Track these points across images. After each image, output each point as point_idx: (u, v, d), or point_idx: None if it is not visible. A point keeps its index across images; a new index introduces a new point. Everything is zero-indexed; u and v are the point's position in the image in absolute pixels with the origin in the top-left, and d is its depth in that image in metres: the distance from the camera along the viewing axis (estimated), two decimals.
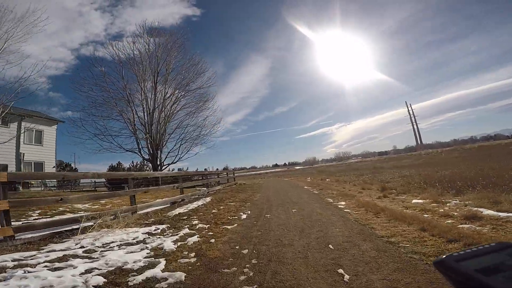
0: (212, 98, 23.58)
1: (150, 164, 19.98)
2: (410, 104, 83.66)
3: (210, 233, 4.77)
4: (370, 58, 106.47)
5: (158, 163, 19.93)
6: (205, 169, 14.87)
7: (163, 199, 9.65)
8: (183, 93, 22.71)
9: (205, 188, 13.94)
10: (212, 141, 23.67)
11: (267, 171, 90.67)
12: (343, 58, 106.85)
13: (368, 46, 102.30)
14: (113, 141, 20.33)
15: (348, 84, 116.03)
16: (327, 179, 17.88)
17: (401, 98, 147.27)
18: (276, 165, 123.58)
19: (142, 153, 20.30)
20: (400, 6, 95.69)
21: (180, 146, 21.78)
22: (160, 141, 20.09)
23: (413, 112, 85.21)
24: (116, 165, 27.66)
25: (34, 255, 3.49)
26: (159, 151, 19.87)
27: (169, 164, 21.35)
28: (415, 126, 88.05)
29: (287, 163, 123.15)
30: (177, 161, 22.15)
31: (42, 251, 3.76)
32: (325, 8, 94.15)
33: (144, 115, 20.94)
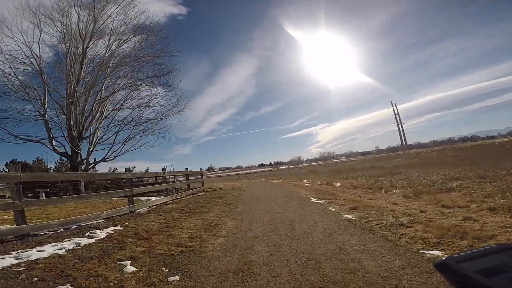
0: (171, 71, 17.41)
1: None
2: (395, 104, 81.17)
3: None
4: (354, 60, 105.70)
5: (81, 158, 13.32)
6: (163, 169, 9.17)
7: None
8: (125, 61, 15.68)
9: (145, 198, 8.56)
10: (169, 130, 17.18)
11: (253, 170, 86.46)
12: (327, 59, 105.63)
13: (352, 48, 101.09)
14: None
15: (332, 85, 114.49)
16: (334, 183, 12.79)
17: (383, 99, 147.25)
18: (262, 165, 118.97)
19: (55, 145, 13.31)
20: (382, 9, 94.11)
21: (116, 135, 14.84)
22: (85, 127, 13.29)
23: (398, 112, 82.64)
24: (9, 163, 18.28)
25: None
26: (90, 143, 13.69)
27: (96, 162, 14.69)
28: (400, 126, 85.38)
29: (272, 163, 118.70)
30: (111, 157, 15.15)
31: None
32: (310, 9, 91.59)
33: (67, 89, 13.33)
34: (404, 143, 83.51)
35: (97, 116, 12.83)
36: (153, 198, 10.46)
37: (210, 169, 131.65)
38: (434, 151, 49.19)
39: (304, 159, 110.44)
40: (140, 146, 13.81)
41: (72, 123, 11.85)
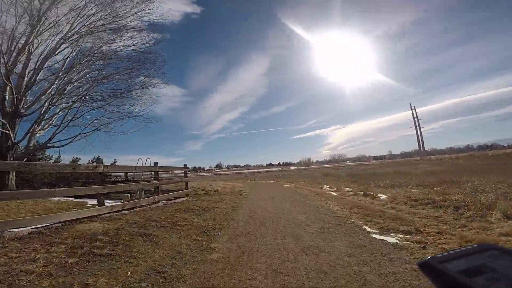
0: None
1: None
2: (414, 107, 75.37)
3: None
4: (370, 61, 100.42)
5: (12, 142, 8.18)
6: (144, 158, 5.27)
7: None
8: None
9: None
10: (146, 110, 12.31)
11: (261, 170, 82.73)
12: (342, 60, 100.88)
13: (368, 49, 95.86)
14: None
15: (345, 86, 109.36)
16: (373, 194, 8.57)
17: (399, 101, 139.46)
18: (270, 165, 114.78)
19: None
20: (402, 11, 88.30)
21: (69, 111, 9.13)
22: (27, 99, 8.56)
23: (417, 116, 76.81)
24: None
25: None
26: (37, 124, 8.86)
27: (38, 148, 9.29)
28: (418, 131, 79.40)
29: (281, 163, 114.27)
30: (61, 142, 9.12)
31: None
32: (324, 10, 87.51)
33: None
34: (422, 148, 77.78)
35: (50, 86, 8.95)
36: (107, 203, 6.65)
37: (218, 166, 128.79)
38: (459, 158, 43.97)
39: (314, 161, 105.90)
40: (97, 129, 9.61)
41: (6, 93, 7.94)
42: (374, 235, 4.07)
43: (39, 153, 10.15)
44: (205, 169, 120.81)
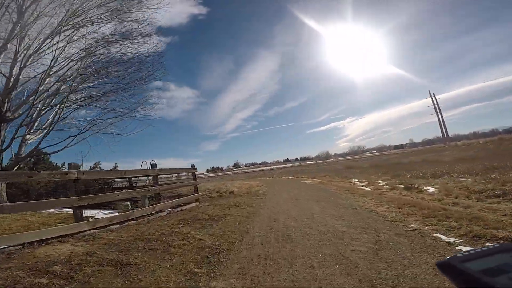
0: None
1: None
2: (433, 94, 70.84)
3: None
4: (383, 52, 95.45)
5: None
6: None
7: None
8: None
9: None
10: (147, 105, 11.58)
11: (278, 166, 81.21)
12: (354, 52, 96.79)
13: (381, 40, 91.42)
14: None
15: (359, 78, 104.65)
16: (417, 187, 6.91)
17: (415, 91, 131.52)
18: (287, 160, 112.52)
19: None
20: (413, 1, 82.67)
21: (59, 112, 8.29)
22: (10, 100, 7.44)
23: (437, 102, 72.22)
24: None
25: None
26: (28, 129, 7.86)
27: (31, 155, 8.22)
28: (440, 117, 74.71)
29: (299, 158, 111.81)
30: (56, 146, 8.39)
31: None
32: (333, 2, 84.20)
33: None
34: (445, 135, 73.06)
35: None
36: (101, 215, 5.63)
37: (236, 165, 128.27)
38: (488, 142, 40.14)
39: (332, 154, 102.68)
40: (97, 132, 8.57)
41: None
42: (461, 247, 2.62)
43: (40, 161, 9.38)
44: (223, 168, 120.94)
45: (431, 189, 6.75)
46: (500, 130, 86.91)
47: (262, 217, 5.21)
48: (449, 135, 78.29)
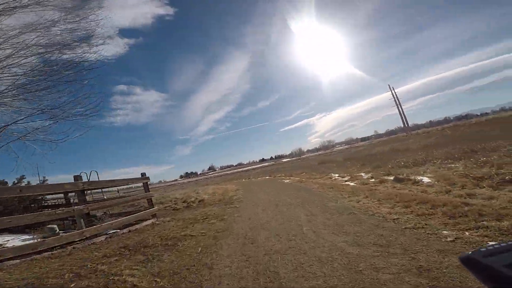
0: None
1: None
2: (393, 88, 74.88)
3: None
4: (345, 50, 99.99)
5: None
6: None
7: None
8: None
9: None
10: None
11: (254, 166, 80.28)
12: (320, 51, 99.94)
13: (343, 39, 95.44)
14: None
15: (326, 75, 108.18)
16: (411, 177, 6.01)
17: (371, 88, 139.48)
18: (263, 160, 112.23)
19: None
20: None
21: None
22: None
23: (397, 95, 76.44)
24: None
25: None
26: None
27: None
28: (400, 108, 79.17)
29: (273, 157, 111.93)
30: None
31: None
32: (300, 2, 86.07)
33: None
34: (406, 125, 77.52)
35: None
36: (15, 242, 3.82)
37: (211, 168, 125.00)
38: (445, 128, 42.79)
39: (305, 150, 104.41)
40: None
41: None
42: None
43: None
44: (198, 173, 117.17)
45: (425, 179, 5.90)
46: (452, 118, 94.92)
47: (235, 236, 3.85)
48: (409, 124, 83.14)
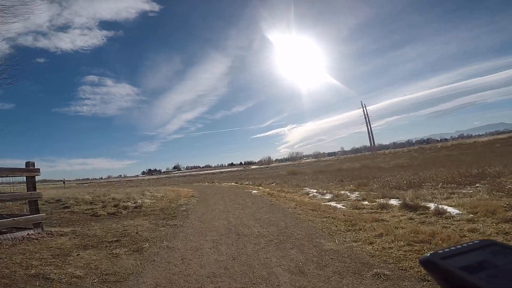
0: None
1: None
2: (365, 105, 77.32)
3: None
4: (323, 62, 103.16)
5: None
6: None
7: None
8: None
9: None
10: None
11: (222, 170, 77.07)
12: (298, 61, 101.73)
13: (321, 51, 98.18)
14: None
15: (301, 86, 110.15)
16: (443, 207, 4.15)
17: (348, 101, 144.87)
18: (232, 164, 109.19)
19: None
20: (351, 14, 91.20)
21: None
22: None
23: (367, 113, 79.14)
24: None
25: None
26: None
27: None
28: (369, 127, 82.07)
29: (243, 163, 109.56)
30: None
31: None
32: (283, 13, 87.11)
33: None
34: (373, 144, 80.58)
35: None
36: None
37: (176, 168, 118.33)
38: (411, 151, 44.38)
39: (274, 159, 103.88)
40: None
41: None
42: None
43: None
44: (162, 171, 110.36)
45: (451, 209, 4.09)
46: (414, 141, 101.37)
47: None
48: (375, 144, 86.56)
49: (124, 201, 8.23)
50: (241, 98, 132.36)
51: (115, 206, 7.44)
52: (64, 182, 31.32)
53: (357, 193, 7.22)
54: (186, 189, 15.17)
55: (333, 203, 5.99)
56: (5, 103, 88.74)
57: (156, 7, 79.86)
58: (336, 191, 7.88)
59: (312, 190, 8.73)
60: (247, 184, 14.44)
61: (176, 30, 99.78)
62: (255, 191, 9.81)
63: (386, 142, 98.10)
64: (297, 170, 25.59)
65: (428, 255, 0.50)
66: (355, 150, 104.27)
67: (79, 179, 77.49)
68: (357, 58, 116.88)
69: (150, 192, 12.31)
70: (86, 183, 51.63)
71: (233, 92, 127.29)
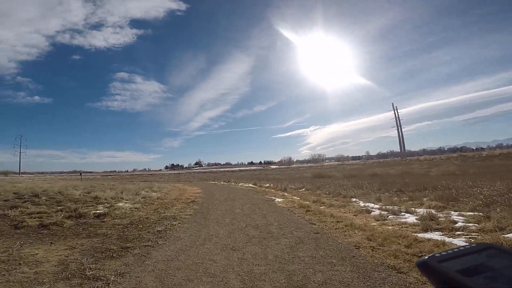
0: None
1: None
2: (396, 107, 70.49)
3: None
4: (350, 62, 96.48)
5: None
6: None
7: None
8: None
9: None
10: None
11: (242, 168, 74.90)
12: (323, 61, 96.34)
13: (349, 51, 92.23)
14: None
15: (326, 87, 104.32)
16: None
17: (375, 104, 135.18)
18: (251, 163, 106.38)
19: None
20: (381, 14, 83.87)
21: None
22: None
23: (398, 116, 72.21)
24: None
25: None
26: None
27: None
28: (400, 131, 75.09)
29: (262, 162, 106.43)
30: None
31: None
32: (308, 12, 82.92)
33: None
34: (403, 149, 73.64)
35: None
36: None
37: (198, 164, 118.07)
38: (451, 158, 38.59)
39: (294, 160, 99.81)
40: None
41: None
42: None
43: None
44: (184, 166, 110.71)
45: None
46: (445, 149, 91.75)
47: None
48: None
49: (91, 205, 5.69)
50: (263, 98, 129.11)
51: (74, 210, 4.88)
52: (81, 175, 30.51)
53: (460, 215, 3.99)
54: (195, 188, 12.59)
55: (426, 235, 2.84)
56: (44, 97, 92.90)
57: (183, 6, 79.89)
58: (413, 208, 4.69)
59: (368, 204, 5.57)
60: (267, 187, 11.43)
61: (201, 29, 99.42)
62: (279, 200, 6.79)
63: (414, 148, 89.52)
64: (323, 172, 22.05)
65: (426, 258, 0.49)
66: (381, 155, 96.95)
67: (106, 171, 79.47)
68: (388, 60, 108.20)
69: (149, 191, 9.85)
70: (110, 176, 51.84)
71: (255, 91, 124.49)
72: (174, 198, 8.08)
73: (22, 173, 47.18)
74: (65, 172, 65.56)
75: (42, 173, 62.07)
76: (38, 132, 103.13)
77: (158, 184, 16.79)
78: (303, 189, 9.42)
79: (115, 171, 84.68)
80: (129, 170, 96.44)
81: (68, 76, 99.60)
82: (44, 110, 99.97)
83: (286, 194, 8.38)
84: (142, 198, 7.56)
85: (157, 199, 7.82)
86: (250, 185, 13.50)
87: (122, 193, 8.29)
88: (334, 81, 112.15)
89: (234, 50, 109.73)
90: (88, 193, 7.87)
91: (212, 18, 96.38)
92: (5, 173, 36.40)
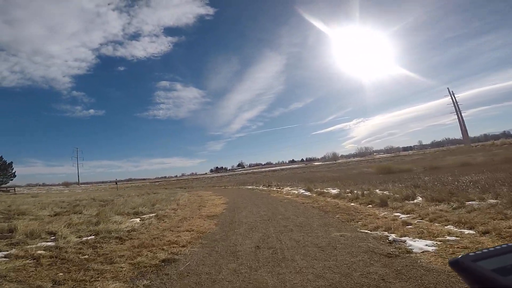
0: None
1: None
2: (452, 92, 58.97)
3: None
4: (390, 53, 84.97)
5: None
6: None
7: None
8: None
9: None
10: None
11: (283, 167, 70.67)
12: (360, 53, 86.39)
13: (388, 41, 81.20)
14: None
15: (366, 79, 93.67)
16: None
17: (422, 93, 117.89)
18: (292, 161, 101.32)
19: None
20: (420, 3, 71.95)
21: None
22: None
23: (456, 101, 60.30)
24: None
25: None
26: None
27: None
28: (460, 116, 62.91)
29: (304, 159, 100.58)
30: None
31: None
32: (341, 3, 74.87)
33: None
34: (466, 136, 61.44)
35: None
36: None
37: (240, 165, 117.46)
38: None
39: (339, 155, 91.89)
40: None
41: None
42: None
43: None
44: (228, 169, 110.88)
45: None
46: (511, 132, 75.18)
47: None
48: (456, 137, 67.08)
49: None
50: (299, 95, 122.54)
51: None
52: (116, 183, 30.01)
53: None
54: (223, 199, 9.19)
55: None
56: (98, 109, 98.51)
57: (210, 10, 79.22)
58: None
59: None
60: (341, 198, 7.18)
61: (230, 32, 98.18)
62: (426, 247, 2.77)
63: (473, 134, 75.09)
64: (391, 166, 16.89)
65: (459, 257, 0.47)
66: (436, 144, 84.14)
67: (158, 178, 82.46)
68: (431, 48, 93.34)
69: (170, 203, 6.73)
70: (157, 182, 52.83)
71: (290, 89, 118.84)
72: (191, 211, 4.69)
73: (81, 183, 50.48)
74: (120, 181, 69.02)
75: (103, 182, 65.89)
76: (96, 143, 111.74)
77: (186, 193, 13.89)
78: (421, 197, 5.11)
79: (165, 177, 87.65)
80: (178, 176, 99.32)
81: (115, 88, 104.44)
82: (99, 122, 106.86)
83: (416, 219, 4.23)
84: (159, 213, 4.32)
85: (166, 215, 4.53)
86: (302, 191, 9.46)
87: (110, 212, 5.17)
88: (374, 73, 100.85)
89: (265, 49, 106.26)
90: (54, 215, 4.91)
91: (238, 21, 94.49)
92: (66, 184, 38.57)
